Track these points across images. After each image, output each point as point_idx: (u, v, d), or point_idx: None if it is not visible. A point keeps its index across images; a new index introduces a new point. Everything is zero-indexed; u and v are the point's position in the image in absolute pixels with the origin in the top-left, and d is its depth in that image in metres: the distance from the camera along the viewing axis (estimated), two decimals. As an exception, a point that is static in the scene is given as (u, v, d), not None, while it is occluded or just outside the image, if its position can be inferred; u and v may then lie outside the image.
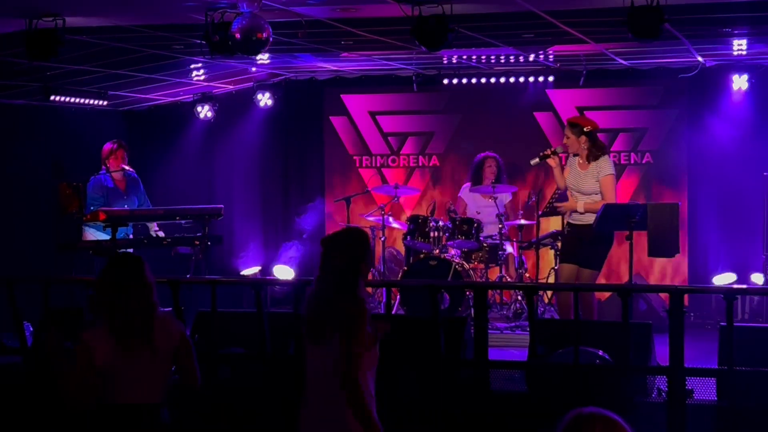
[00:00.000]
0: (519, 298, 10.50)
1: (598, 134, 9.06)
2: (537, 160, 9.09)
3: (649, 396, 7.30)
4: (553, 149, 9.10)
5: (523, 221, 10.81)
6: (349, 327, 4.62)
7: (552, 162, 8.97)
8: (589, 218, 8.67)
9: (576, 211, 8.80)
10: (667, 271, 12.03)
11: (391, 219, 11.22)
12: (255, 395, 7.71)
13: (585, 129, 8.84)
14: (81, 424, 4.79)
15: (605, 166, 8.79)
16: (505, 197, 11.20)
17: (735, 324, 7.04)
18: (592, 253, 8.72)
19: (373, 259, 4.97)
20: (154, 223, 10.06)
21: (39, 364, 7.96)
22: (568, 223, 8.99)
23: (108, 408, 4.68)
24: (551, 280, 10.72)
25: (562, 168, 9.09)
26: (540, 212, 10.56)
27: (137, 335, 4.65)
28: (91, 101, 11.82)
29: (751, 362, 6.99)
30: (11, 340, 8.37)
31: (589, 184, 8.77)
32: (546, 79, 12.26)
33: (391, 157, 13.07)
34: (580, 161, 8.86)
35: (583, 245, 8.72)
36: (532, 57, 11.22)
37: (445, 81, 12.46)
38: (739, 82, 11.52)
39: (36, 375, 7.98)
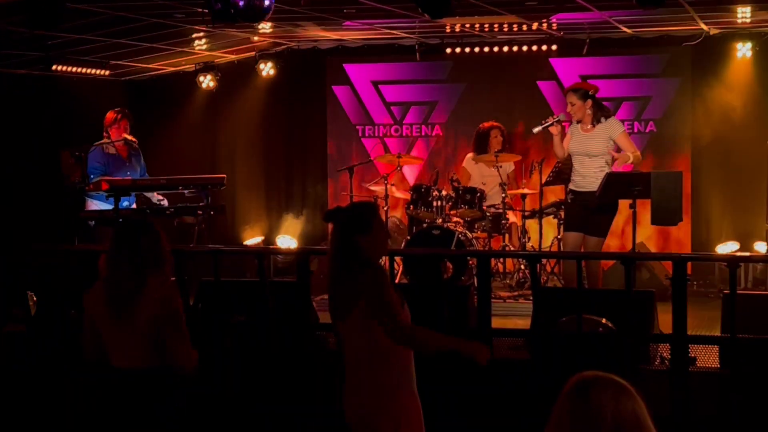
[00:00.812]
0: (522, 267, 10.51)
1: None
2: (539, 128, 9.07)
3: (652, 364, 7.32)
4: (556, 117, 9.07)
5: (526, 190, 10.80)
6: (367, 293, 4.59)
7: (554, 130, 8.96)
8: (595, 184, 8.66)
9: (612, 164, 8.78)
10: (670, 239, 12.02)
11: (394, 188, 11.20)
12: (258, 363, 7.73)
13: (590, 92, 8.86)
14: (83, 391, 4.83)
15: (616, 124, 8.91)
16: (509, 166, 11.17)
17: (738, 292, 7.05)
18: (598, 221, 8.72)
19: (381, 230, 4.88)
20: (156, 193, 10.04)
21: (42, 332, 8.00)
22: (572, 190, 8.98)
23: (110, 371, 4.75)
24: (554, 249, 10.72)
25: (563, 137, 9.09)
26: (543, 181, 10.54)
27: (119, 299, 4.71)
28: (93, 71, 11.79)
29: (754, 330, 7.00)
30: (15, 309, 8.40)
31: (598, 146, 8.77)
32: (549, 48, 12.20)
33: (394, 127, 13.04)
34: (583, 126, 8.86)
35: (589, 213, 8.71)
36: (535, 25, 11.17)
37: (448, 50, 12.41)
38: (743, 51, 11.47)
39: (39, 343, 8.01)
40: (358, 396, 4.70)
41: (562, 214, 10.12)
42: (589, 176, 8.78)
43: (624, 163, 8.92)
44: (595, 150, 8.78)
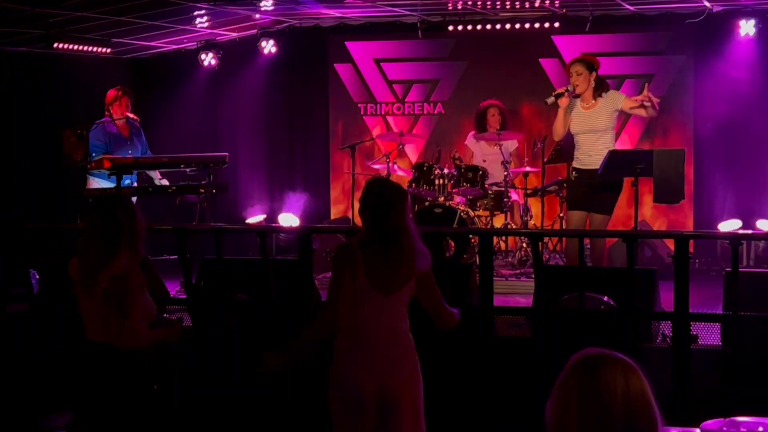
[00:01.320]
0: (524, 245, 10.50)
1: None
2: (552, 98, 8.83)
3: (654, 341, 7.33)
4: (565, 88, 8.91)
5: (528, 168, 10.78)
6: (430, 274, 4.89)
7: (563, 101, 8.76)
8: (597, 162, 8.61)
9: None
10: (672, 217, 12.02)
11: (396, 166, 11.18)
12: (260, 341, 7.75)
13: (596, 66, 8.81)
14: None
15: (617, 94, 8.84)
16: (511, 144, 11.15)
17: (740, 270, 7.05)
18: (604, 198, 8.66)
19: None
20: (157, 171, 10.04)
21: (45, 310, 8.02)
22: (576, 168, 8.88)
23: (81, 344, 4.79)
24: (556, 227, 10.71)
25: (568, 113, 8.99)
26: (546, 159, 10.52)
27: (88, 271, 4.75)
28: (95, 49, 11.76)
29: (756, 307, 7.00)
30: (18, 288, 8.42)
31: (604, 121, 8.67)
32: (552, 25, 12.15)
33: (396, 105, 13.02)
34: (584, 104, 8.76)
35: (593, 190, 8.67)
36: (537, 2, 11.13)
37: (450, 27, 12.36)
38: (746, 28, 11.42)
39: (42, 322, 8.04)
40: (388, 368, 4.78)
41: (565, 192, 10.09)
42: (596, 154, 8.65)
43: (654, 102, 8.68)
44: (601, 125, 8.68)
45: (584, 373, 2.60)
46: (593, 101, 8.75)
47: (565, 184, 9.99)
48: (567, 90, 8.79)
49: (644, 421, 2.55)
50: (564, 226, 10.23)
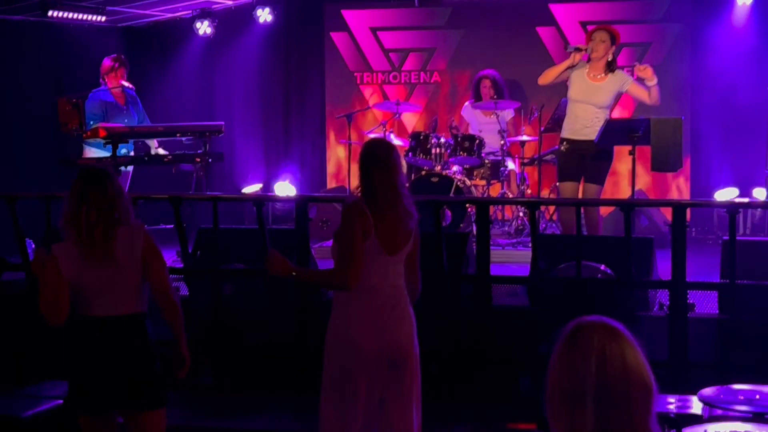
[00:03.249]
0: (521, 214, 10.50)
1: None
2: (573, 48, 8.68)
3: (651, 310, 7.34)
4: (585, 46, 8.72)
5: (525, 137, 10.75)
6: (418, 232, 5.02)
7: (576, 57, 8.65)
8: (592, 133, 8.58)
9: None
10: (668, 186, 12.01)
11: (392, 136, 11.16)
12: (257, 310, 7.76)
13: (617, 41, 8.75)
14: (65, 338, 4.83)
15: (626, 76, 8.75)
16: (507, 114, 11.12)
17: (737, 238, 7.05)
18: (596, 168, 8.66)
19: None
20: (155, 140, 10.01)
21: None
22: (567, 139, 8.82)
23: (83, 320, 4.73)
24: (553, 196, 10.70)
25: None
26: (542, 128, 10.50)
27: (97, 246, 4.66)
28: (90, 17, 11.68)
29: (753, 276, 7.02)
30: (14, 257, 8.41)
31: (607, 98, 8.62)
32: (549, -7, 12.11)
33: (393, 74, 12.98)
34: (594, 74, 8.67)
35: (585, 161, 8.66)
36: (534, -30, 11.08)
37: (447, -4, 12.32)
38: (745, -4, 11.40)
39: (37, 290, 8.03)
40: (398, 326, 4.91)
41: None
42: (591, 126, 8.61)
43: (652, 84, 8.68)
44: (603, 101, 8.62)
45: (565, 338, 2.60)
46: (603, 75, 8.67)
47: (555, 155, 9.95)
48: (585, 50, 8.70)
49: (621, 389, 2.52)
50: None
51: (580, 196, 8.72)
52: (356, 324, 4.86)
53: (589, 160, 8.64)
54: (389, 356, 4.86)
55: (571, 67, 8.70)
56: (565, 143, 8.82)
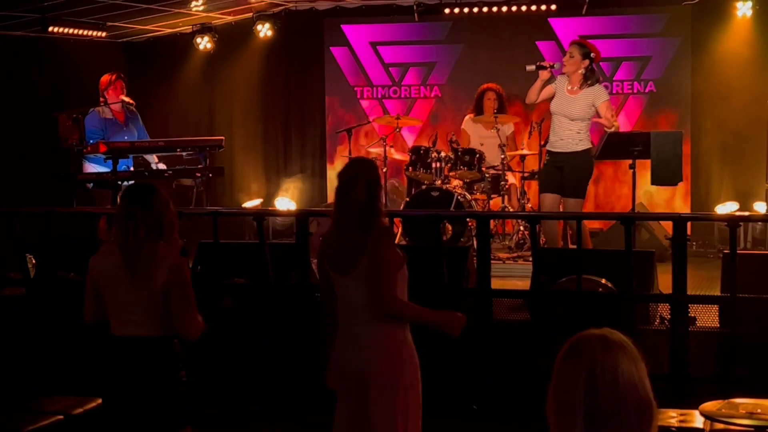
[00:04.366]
0: (521, 228, 10.49)
1: (600, 63, 9.04)
2: (533, 67, 9.06)
3: (652, 324, 7.32)
4: (551, 63, 9.05)
5: (525, 151, 10.76)
6: (375, 253, 4.66)
7: (544, 74, 8.95)
8: (572, 146, 8.67)
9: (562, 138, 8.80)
10: (669, 199, 12.00)
11: (392, 150, 11.16)
12: (257, 324, 7.75)
13: (591, 54, 8.83)
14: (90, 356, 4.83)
15: (602, 92, 8.87)
16: (508, 128, 11.13)
17: (737, 252, 7.04)
18: (576, 182, 8.73)
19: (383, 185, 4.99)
20: (155, 155, 10.02)
21: (41, 294, 8.00)
22: (549, 151, 8.96)
23: (111, 339, 4.71)
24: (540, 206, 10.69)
25: (545, 85, 9.04)
26: (542, 142, 10.50)
27: (137, 265, 4.62)
28: (90, 32, 11.72)
29: (753, 289, 7.00)
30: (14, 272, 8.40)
31: (580, 110, 8.75)
32: (548, 8, 12.13)
33: (393, 88, 12.99)
34: (569, 87, 8.82)
35: (564, 174, 8.73)
36: (534, -15, 11.11)
37: (447, 10, 12.33)
38: (743, 9, 11.40)
39: (38, 305, 8.02)
40: (356, 348, 4.74)
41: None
42: (566, 138, 8.78)
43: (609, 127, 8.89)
44: (576, 113, 8.75)
45: (563, 352, 2.57)
46: (578, 88, 8.80)
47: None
48: (552, 66, 8.89)
49: (611, 404, 2.46)
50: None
51: (560, 208, 8.80)
52: (334, 347, 4.89)
53: (568, 173, 8.72)
54: (358, 381, 4.75)
55: (549, 82, 8.90)
56: (547, 156, 9.00)
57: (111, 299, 4.70)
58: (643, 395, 2.49)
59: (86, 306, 4.85)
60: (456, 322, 4.83)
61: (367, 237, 4.70)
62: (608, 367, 2.48)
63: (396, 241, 9.77)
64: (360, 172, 4.84)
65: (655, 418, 2.51)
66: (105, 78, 9.90)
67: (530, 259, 7.83)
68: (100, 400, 4.81)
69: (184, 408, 4.75)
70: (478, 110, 11.15)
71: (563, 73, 8.89)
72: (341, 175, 4.88)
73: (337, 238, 4.82)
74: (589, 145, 8.81)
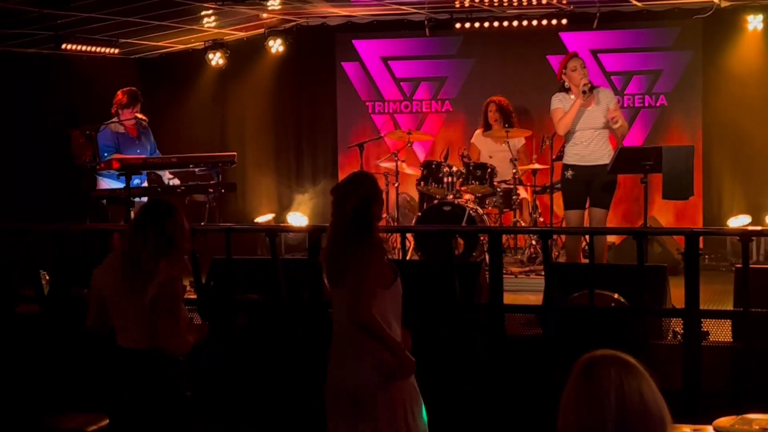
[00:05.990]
0: (533, 243, 10.49)
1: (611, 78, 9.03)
2: (587, 90, 8.63)
3: (665, 338, 7.32)
4: (586, 84, 8.67)
5: (536, 165, 10.76)
6: (357, 264, 4.69)
7: (585, 98, 8.69)
8: (604, 158, 8.63)
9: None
10: (681, 214, 11.99)
11: (404, 165, 11.18)
12: (271, 340, 7.75)
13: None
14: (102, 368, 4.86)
15: (608, 92, 8.92)
16: (518, 142, 11.14)
17: (750, 266, 7.03)
18: (603, 193, 8.71)
19: (384, 202, 5.00)
20: (167, 171, 10.04)
21: (55, 311, 8.03)
22: (573, 165, 8.82)
23: (117, 350, 4.76)
24: (565, 224, 10.68)
25: None
26: (554, 156, 10.50)
27: (137, 277, 4.68)
28: (103, 49, 11.77)
29: (766, 304, 6.98)
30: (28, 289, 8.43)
31: (600, 117, 8.71)
32: (559, 22, 12.13)
33: (404, 103, 13.01)
34: (581, 101, 8.67)
35: (593, 186, 8.69)
36: (545, -1, 11.13)
37: (458, 25, 12.36)
38: (754, 23, 11.40)
39: (53, 323, 8.05)
40: (346, 362, 4.79)
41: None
42: (596, 151, 8.71)
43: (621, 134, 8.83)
44: (598, 123, 8.70)
45: (580, 375, 2.59)
46: (585, 99, 8.69)
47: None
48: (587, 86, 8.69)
49: (641, 423, 2.52)
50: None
51: (586, 223, 8.75)
52: (329, 362, 4.93)
53: (595, 184, 8.68)
54: (348, 396, 4.79)
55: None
56: (569, 170, 8.83)
57: (113, 310, 4.78)
58: (663, 410, 2.56)
59: (90, 313, 4.94)
60: (407, 366, 4.74)
61: (357, 251, 4.72)
62: (633, 388, 2.54)
63: (408, 257, 9.84)
64: (350, 188, 4.89)
65: None
66: (120, 96, 9.89)
67: (542, 273, 7.83)
68: (111, 418, 4.85)
69: (188, 426, 4.77)
70: (486, 125, 11.17)
71: (563, 90, 8.82)
72: (334, 191, 4.96)
73: (330, 252, 4.88)
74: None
